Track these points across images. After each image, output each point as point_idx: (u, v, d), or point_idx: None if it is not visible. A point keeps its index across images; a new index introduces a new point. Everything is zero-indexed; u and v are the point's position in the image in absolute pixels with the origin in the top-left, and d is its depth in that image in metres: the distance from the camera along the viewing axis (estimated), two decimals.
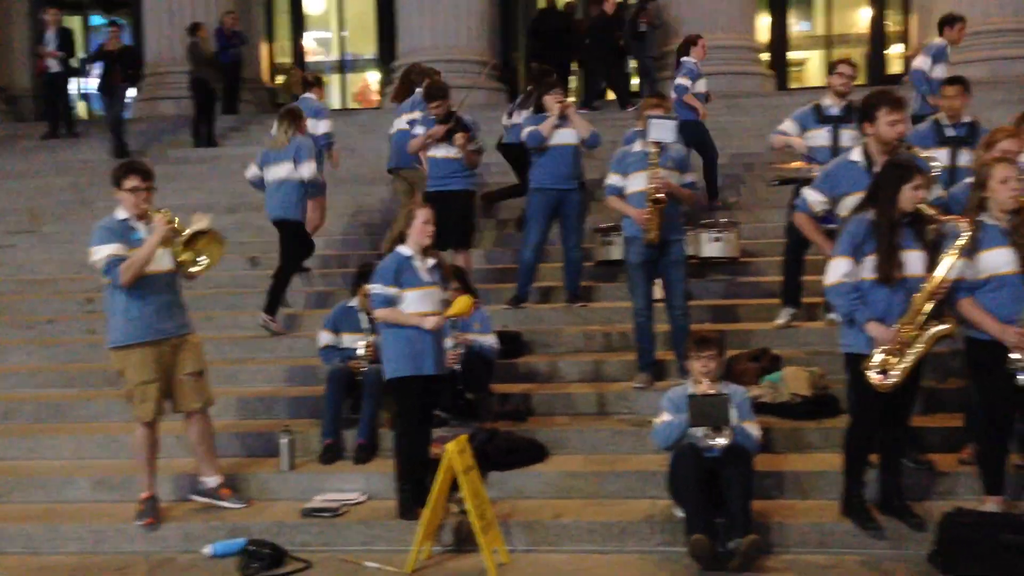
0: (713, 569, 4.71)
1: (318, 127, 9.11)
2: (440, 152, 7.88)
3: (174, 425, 5.71)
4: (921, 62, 9.14)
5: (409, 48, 14.19)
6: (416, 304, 5.28)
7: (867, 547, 4.89)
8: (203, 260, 5.40)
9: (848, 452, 4.94)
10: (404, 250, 5.34)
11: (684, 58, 9.58)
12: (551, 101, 7.49)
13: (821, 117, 6.68)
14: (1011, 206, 4.68)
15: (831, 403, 5.96)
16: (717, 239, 8.04)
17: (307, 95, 9.68)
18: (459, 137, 7.75)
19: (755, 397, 5.77)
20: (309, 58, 18.39)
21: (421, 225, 5.30)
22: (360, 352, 6.18)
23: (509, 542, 5.11)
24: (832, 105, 6.70)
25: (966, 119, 6.36)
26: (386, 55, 16.67)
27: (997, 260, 4.68)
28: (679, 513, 4.99)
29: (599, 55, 13.74)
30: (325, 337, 6.44)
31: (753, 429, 5.03)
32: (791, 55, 17.50)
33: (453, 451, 4.74)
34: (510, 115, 9.17)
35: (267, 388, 7.10)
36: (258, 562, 4.99)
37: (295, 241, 7.72)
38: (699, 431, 4.88)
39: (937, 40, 9.37)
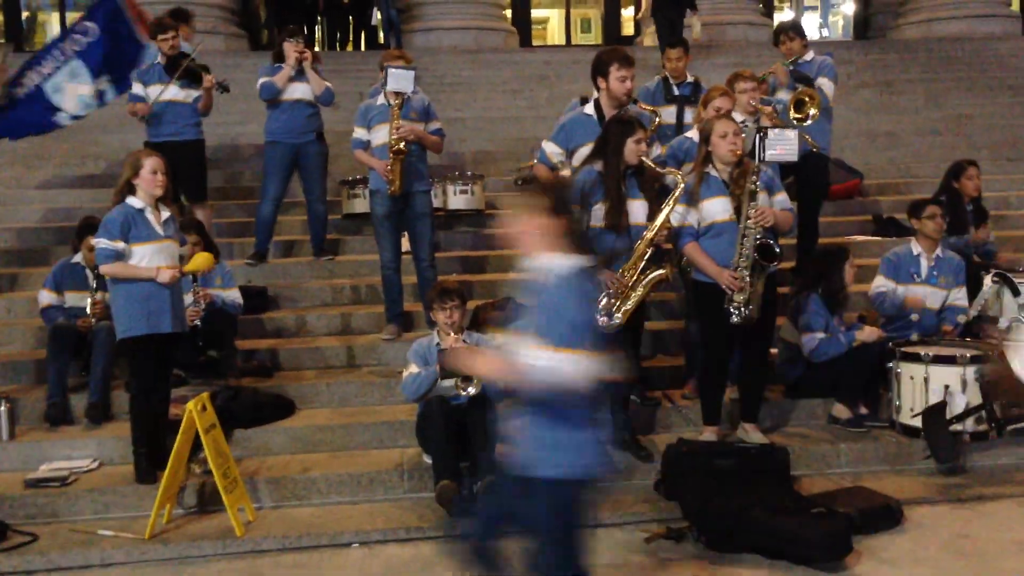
0: (459, 515, 4.83)
1: None
2: (167, 95, 7.32)
3: None
4: None
5: None
6: (150, 260, 4.94)
7: (602, 480, 5.19)
8: None
9: None
10: (134, 201, 4.95)
11: None
12: (289, 49, 7.25)
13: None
14: (730, 159, 5.08)
15: None
16: (463, 191, 8.20)
17: None
18: (208, 79, 7.31)
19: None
20: None
21: (149, 175, 4.93)
22: (88, 310, 5.81)
23: (256, 499, 5.02)
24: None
25: (690, 79, 6.83)
26: None
27: (716, 208, 5.08)
28: (428, 460, 5.09)
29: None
30: (46, 297, 6.01)
31: None
32: (534, 13, 17.98)
33: (193, 410, 4.58)
34: None
35: None
36: None
37: None
38: (448, 382, 4.98)
39: None
